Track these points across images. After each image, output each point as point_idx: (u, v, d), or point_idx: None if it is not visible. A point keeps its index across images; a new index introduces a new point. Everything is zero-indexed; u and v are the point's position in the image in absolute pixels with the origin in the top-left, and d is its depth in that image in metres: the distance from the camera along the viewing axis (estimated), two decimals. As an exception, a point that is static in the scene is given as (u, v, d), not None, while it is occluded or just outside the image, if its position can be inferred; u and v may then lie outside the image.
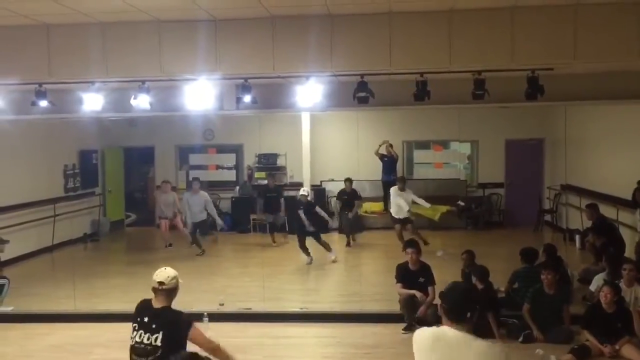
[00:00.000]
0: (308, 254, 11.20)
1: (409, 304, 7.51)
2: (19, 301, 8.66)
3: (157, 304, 4.39)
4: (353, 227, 13.16)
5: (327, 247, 11.31)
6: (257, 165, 15.30)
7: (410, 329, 7.44)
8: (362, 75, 7.19)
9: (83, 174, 14.17)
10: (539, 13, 6.32)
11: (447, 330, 3.07)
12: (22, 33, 6.91)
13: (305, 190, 11.96)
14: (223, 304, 8.21)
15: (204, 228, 12.58)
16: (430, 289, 7.62)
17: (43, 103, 7.58)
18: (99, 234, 14.30)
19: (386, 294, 8.35)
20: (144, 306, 4.43)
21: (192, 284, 9.80)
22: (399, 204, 11.94)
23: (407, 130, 14.92)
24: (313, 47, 6.57)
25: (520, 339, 7.04)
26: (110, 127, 13.73)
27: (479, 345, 3.00)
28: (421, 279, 7.64)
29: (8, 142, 10.96)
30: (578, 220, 11.75)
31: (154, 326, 4.25)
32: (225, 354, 4.43)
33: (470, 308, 3.09)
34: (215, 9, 6.40)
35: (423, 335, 3.15)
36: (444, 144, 15.67)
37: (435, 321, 7.60)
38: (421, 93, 7.24)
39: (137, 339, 4.26)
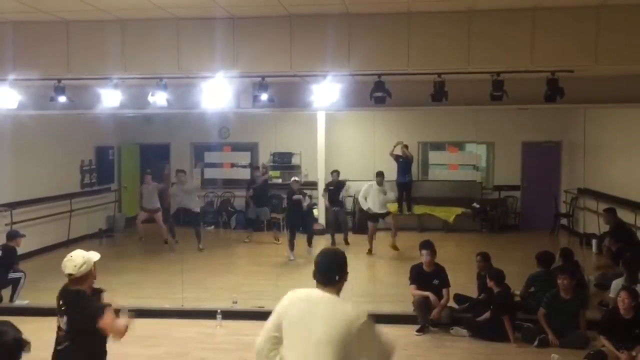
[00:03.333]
0: (292, 249, 11.31)
1: (423, 305, 7.48)
2: (35, 295, 8.72)
3: (71, 287, 4.09)
4: (341, 223, 13.18)
5: (309, 244, 11.43)
6: (271, 163, 15.31)
7: (423, 330, 7.42)
8: (379, 75, 7.15)
9: (99, 170, 14.29)
10: (560, 14, 6.24)
11: (314, 291, 3.20)
12: (41, 29, 6.97)
13: (297, 177, 12.20)
14: (236, 302, 8.22)
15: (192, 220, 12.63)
16: (444, 291, 7.58)
17: (61, 99, 7.61)
18: (114, 229, 14.39)
19: (399, 295, 8.32)
20: (61, 291, 4.12)
21: (205, 281, 9.90)
22: (379, 198, 11.86)
23: (423, 131, 14.85)
24: (331, 46, 6.55)
25: (536, 343, 6.99)
26: (127, 123, 13.82)
27: (331, 300, 3.14)
28: (435, 281, 7.60)
29: (26, 137, 11.07)
30: (595, 224, 11.62)
31: (63, 308, 4.00)
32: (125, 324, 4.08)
33: (338, 272, 3.21)
34: (234, 7, 6.41)
35: (293, 295, 3.23)
36: (460, 146, 15.57)
37: (449, 323, 7.64)
38: (439, 94, 7.18)
39: (58, 324, 4.01)
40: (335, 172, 13.21)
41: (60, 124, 11.62)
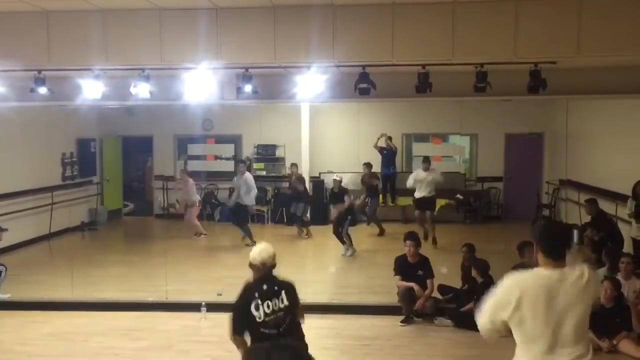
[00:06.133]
0: (344, 242, 11.16)
1: (408, 296, 7.51)
2: (16, 288, 8.63)
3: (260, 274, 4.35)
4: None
5: (347, 240, 11.20)
6: (255, 156, 15.24)
7: (408, 321, 7.46)
8: (363, 67, 7.14)
9: (81, 162, 14.13)
10: (543, 5, 6.28)
11: (548, 273, 3.21)
12: (21, 19, 6.86)
13: (338, 176, 11.94)
14: (221, 294, 8.17)
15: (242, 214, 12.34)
16: (429, 281, 7.62)
17: (42, 90, 7.51)
18: (96, 222, 14.26)
19: (385, 286, 8.35)
20: (254, 284, 4.31)
21: (190, 274, 9.86)
22: (424, 183, 11.79)
23: (407, 123, 14.88)
24: (315, 37, 6.53)
25: (519, 332, 7.04)
26: (109, 115, 13.68)
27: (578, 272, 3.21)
28: (420, 272, 7.63)
29: (6, 129, 10.91)
30: (576, 215, 11.74)
31: (276, 288, 4.25)
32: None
33: (568, 244, 3.31)
34: (217, -3, 6.36)
35: (522, 280, 3.24)
36: (443, 137, 15.63)
37: (433, 313, 7.68)
38: (423, 85, 7.20)
39: (267, 310, 4.17)
40: (369, 165, 13.16)
41: (41, 115, 11.46)
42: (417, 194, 11.90)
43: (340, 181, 11.85)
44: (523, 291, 3.16)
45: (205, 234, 12.77)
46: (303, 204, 13.02)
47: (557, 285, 3.14)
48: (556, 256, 3.20)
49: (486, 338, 3.38)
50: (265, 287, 4.24)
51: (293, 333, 4.25)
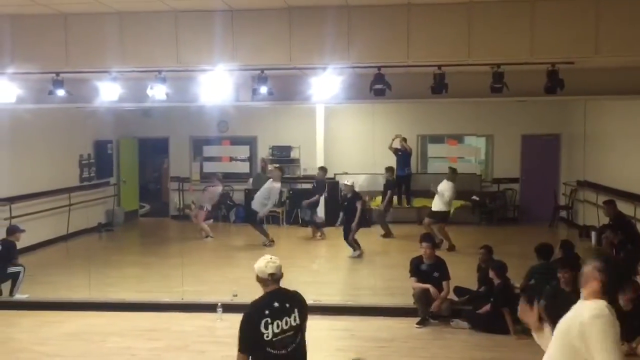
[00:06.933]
0: (358, 247, 11.10)
1: (423, 298, 7.48)
2: (34, 289, 8.72)
3: (270, 289, 4.11)
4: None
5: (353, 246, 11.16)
6: (270, 157, 15.26)
7: (423, 323, 7.42)
8: (379, 68, 7.12)
9: (98, 164, 14.25)
10: (560, 5, 6.24)
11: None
12: (39, 22, 6.95)
13: (349, 181, 11.79)
14: (237, 295, 8.20)
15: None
16: (444, 283, 7.58)
17: (60, 92, 7.59)
18: (113, 224, 14.37)
19: (400, 288, 8.32)
20: (263, 300, 4.09)
21: (205, 275, 9.90)
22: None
23: (423, 124, 14.81)
24: (330, 38, 6.53)
25: (536, 335, 6.98)
26: (126, 117, 13.78)
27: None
28: (436, 274, 7.60)
29: (25, 131, 11.05)
30: (594, 216, 11.62)
31: (287, 305, 4.02)
32: None
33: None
34: (233, -1, 6.38)
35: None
36: (459, 138, 15.55)
37: (449, 315, 7.62)
38: (439, 86, 7.15)
39: (276, 330, 3.95)
40: (391, 169, 13.40)
41: (59, 117, 11.59)
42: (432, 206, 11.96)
43: (352, 185, 11.56)
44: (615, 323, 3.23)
45: (211, 236, 12.81)
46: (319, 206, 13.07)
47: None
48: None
49: None
50: (276, 304, 4.01)
51: (300, 355, 4.05)
